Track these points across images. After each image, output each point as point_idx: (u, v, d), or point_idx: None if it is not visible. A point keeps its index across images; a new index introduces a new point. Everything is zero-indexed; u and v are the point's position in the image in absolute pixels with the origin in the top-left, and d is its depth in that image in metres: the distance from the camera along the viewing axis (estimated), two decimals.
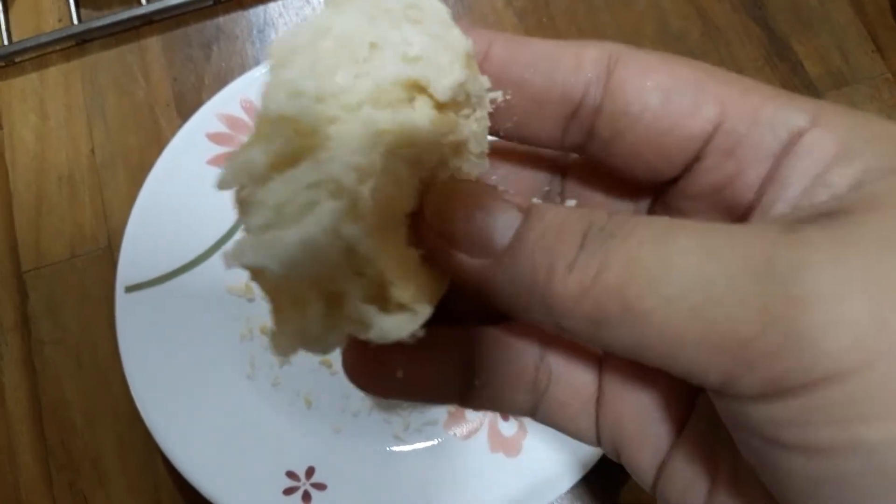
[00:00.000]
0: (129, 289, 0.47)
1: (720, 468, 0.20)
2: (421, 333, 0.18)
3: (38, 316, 0.51)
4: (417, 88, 0.18)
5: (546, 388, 0.22)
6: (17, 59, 0.55)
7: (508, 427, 0.45)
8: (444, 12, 0.19)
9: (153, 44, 0.56)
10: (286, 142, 0.16)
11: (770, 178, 0.19)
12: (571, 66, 0.20)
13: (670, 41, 0.57)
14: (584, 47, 0.20)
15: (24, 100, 0.55)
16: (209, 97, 0.51)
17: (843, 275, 0.15)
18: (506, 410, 0.23)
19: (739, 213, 0.20)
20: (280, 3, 0.57)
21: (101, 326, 0.50)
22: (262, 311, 0.49)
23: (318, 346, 0.17)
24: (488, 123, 0.20)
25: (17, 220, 0.53)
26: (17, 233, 0.53)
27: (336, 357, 0.48)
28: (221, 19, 0.56)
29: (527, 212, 0.18)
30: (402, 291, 0.17)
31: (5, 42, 0.55)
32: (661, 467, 0.21)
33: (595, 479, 0.42)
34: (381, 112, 0.17)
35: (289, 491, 0.44)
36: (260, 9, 0.56)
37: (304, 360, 0.48)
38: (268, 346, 0.48)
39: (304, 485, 0.44)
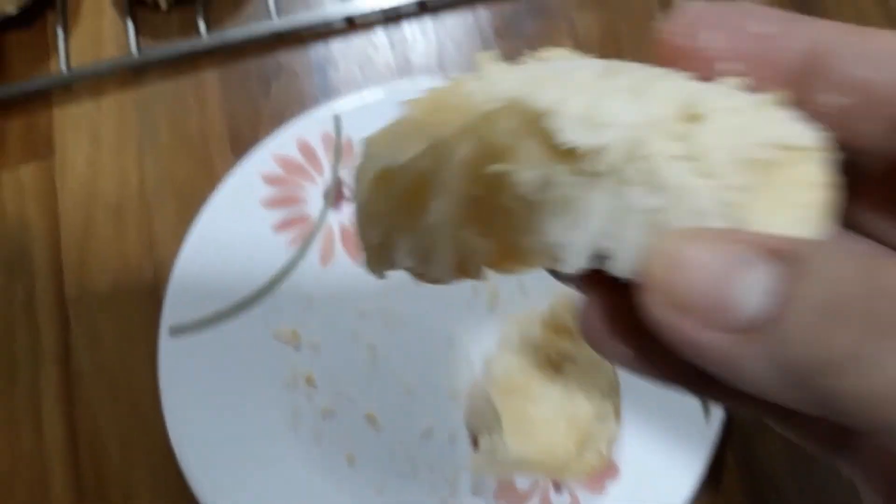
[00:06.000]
0: (174, 331, 0.46)
1: None
2: None
3: (80, 347, 0.50)
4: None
5: None
6: (73, 86, 0.55)
7: (561, 500, 0.43)
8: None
9: (210, 76, 0.55)
10: None
11: None
12: None
13: None
14: None
15: (77, 127, 0.55)
16: (265, 134, 0.50)
17: None
18: None
19: None
20: (342, 41, 0.55)
21: (141, 362, 0.49)
22: (307, 361, 0.47)
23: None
24: None
25: (64, 248, 0.52)
26: (64, 261, 0.52)
27: (381, 413, 0.46)
28: (282, 54, 0.55)
29: (794, 261, 0.12)
30: None
31: (63, 69, 0.54)
32: None
33: None
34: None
35: None
36: (321, 45, 0.55)
37: (349, 414, 0.46)
38: (311, 397, 0.46)
39: None
